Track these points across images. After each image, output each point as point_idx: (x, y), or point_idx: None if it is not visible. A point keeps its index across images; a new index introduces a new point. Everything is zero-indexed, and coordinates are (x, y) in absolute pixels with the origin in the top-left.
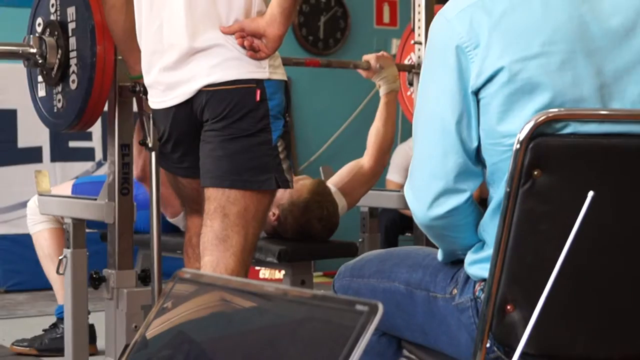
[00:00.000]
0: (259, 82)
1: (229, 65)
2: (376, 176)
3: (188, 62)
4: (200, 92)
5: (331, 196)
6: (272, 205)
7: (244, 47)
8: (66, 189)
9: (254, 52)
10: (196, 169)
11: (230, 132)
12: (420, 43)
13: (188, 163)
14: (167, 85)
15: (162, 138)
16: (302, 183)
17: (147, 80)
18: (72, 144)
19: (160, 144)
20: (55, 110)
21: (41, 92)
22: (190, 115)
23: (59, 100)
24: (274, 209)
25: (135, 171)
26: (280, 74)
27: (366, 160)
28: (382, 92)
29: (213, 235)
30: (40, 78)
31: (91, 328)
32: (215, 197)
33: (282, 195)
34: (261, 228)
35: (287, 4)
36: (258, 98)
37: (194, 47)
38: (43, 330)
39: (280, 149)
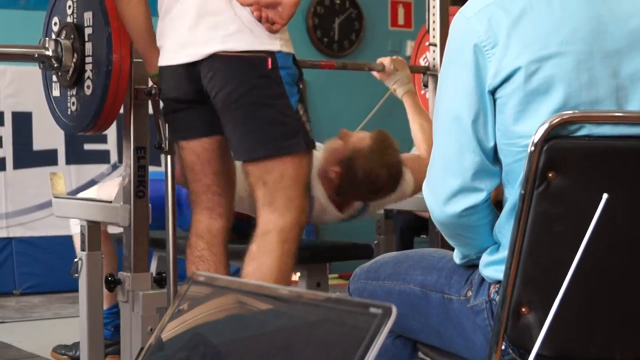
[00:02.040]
0: (270, 53)
1: (242, 36)
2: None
3: (200, 23)
4: (211, 57)
5: (394, 145)
6: (331, 163)
7: (259, 19)
8: (90, 194)
9: (270, 25)
10: (196, 129)
11: (250, 103)
12: (435, 45)
13: (194, 123)
14: (178, 43)
15: (164, 97)
16: (362, 135)
17: (160, 41)
18: (88, 146)
19: (167, 110)
20: (69, 113)
21: (55, 91)
22: (194, 77)
23: (73, 104)
24: (334, 167)
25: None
26: (289, 48)
27: (422, 152)
28: (399, 94)
29: (260, 202)
30: (54, 78)
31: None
32: (251, 171)
33: (343, 149)
34: (305, 191)
35: None
36: (270, 66)
37: (206, 8)
38: None
39: (301, 112)
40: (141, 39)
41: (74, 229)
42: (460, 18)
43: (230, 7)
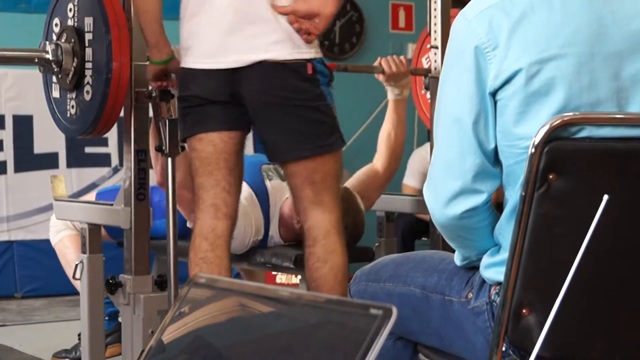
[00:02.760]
0: (309, 60)
1: (285, 45)
2: (389, 180)
3: (241, 30)
4: (255, 63)
5: (357, 203)
6: (295, 214)
7: (296, 29)
8: (89, 199)
9: (307, 35)
10: (219, 122)
11: (293, 106)
12: (436, 47)
13: (218, 117)
14: (215, 48)
15: (190, 93)
16: None
17: (187, 42)
18: (88, 149)
19: (190, 104)
20: (68, 115)
21: (55, 93)
22: (232, 81)
23: (73, 107)
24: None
25: (156, 177)
26: (319, 52)
27: (379, 164)
28: (389, 97)
29: (308, 202)
30: (54, 79)
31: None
32: (298, 171)
33: None
34: (340, 183)
35: None
36: (310, 71)
37: (247, 16)
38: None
39: (334, 110)
40: (153, 26)
41: (55, 237)
42: (461, 20)
43: (272, 15)
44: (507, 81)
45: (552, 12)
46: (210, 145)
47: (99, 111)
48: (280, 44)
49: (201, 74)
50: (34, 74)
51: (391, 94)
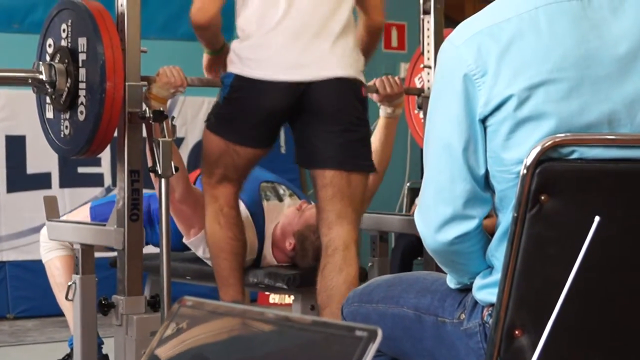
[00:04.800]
0: (362, 83)
1: (350, 62)
2: (372, 195)
3: (316, 44)
4: (327, 80)
5: None
6: (287, 235)
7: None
8: (83, 211)
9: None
10: (259, 141)
11: (349, 122)
12: (429, 67)
13: (256, 135)
14: (290, 61)
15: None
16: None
17: (256, 54)
18: (81, 169)
19: (242, 110)
20: (62, 136)
21: (49, 113)
22: (297, 93)
23: (67, 127)
24: (290, 239)
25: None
26: None
27: None
28: (381, 114)
29: (335, 215)
30: (48, 100)
31: (105, 358)
32: (335, 182)
33: (297, 222)
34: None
35: None
36: (363, 93)
37: (326, 30)
38: None
39: None
40: (218, 19)
41: (45, 256)
42: (449, 46)
43: (344, 34)
44: (497, 108)
45: (540, 36)
46: (233, 154)
47: (92, 131)
48: (347, 60)
49: (269, 85)
50: (27, 94)
51: (384, 111)
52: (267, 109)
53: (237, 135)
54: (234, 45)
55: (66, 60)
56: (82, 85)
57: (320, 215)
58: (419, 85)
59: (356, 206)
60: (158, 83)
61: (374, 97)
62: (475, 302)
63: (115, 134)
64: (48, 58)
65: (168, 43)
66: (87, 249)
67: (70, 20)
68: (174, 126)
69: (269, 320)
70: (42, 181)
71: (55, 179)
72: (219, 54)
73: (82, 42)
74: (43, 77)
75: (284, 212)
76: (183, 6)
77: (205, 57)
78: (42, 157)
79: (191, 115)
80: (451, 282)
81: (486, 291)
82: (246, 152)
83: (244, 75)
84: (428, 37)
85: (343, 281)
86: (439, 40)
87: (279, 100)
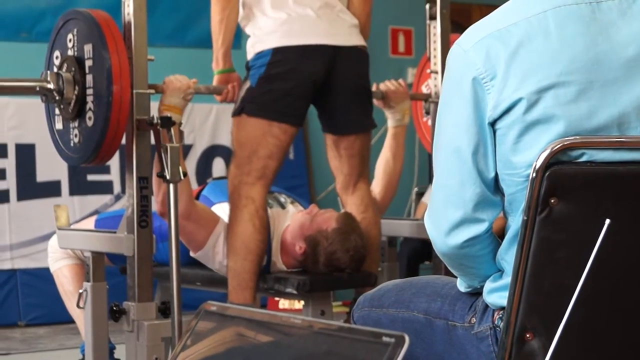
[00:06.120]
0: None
1: (359, 34)
2: (386, 207)
3: (340, 17)
4: (352, 47)
5: (359, 228)
6: (298, 238)
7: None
8: (88, 224)
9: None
10: (296, 116)
11: (364, 86)
12: (436, 72)
13: (296, 107)
14: (323, 31)
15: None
16: (329, 215)
17: (282, 27)
18: (91, 177)
19: (279, 86)
20: (72, 145)
21: (58, 124)
22: (328, 57)
23: (76, 135)
24: (300, 243)
25: (157, 206)
26: None
27: (377, 192)
28: (389, 124)
29: (357, 175)
30: (57, 111)
31: None
32: (354, 145)
33: (309, 226)
34: None
35: None
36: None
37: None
38: None
39: None
40: (229, 36)
41: (53, 265)
42: (458, 50)
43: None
44: (506, 111)
45: (549, 39)
46: (285, 140)
47: (101, 136)
48: (357, 31)
49: (310, 48)
50: (36, 103)
51: (391, 120)
52: (309, 73)
53: (278, 111)
54: (263, 24)
55: (73, 69)
56: (89, 92)
57: (345, 180)
58: (426, 91)
59: (368, 164)
60: (168, 92)
61: (379, 103)
62: (486, 306)
63: (124, 142)
64: (55, 69)
65: (175, 51)
66: (98, 257)
67: (75, 30)
68: (181, 132)
69: (294, 326)
70: (51, 189)
71: (65, 187)
72: (229, 72)
73: (87, 48)
74: (51, 86)
75: (292, 217)
76: (190, 14)
77: (215, 78)
78: (51, 165)
79: (199, 122)
80: (461, 285)
81: (496, 295)
82: (285, 132)
83: (284, 45)
84: (434, 42)
85: (378, 231)
86: (445, 46)
87: (319, 63)
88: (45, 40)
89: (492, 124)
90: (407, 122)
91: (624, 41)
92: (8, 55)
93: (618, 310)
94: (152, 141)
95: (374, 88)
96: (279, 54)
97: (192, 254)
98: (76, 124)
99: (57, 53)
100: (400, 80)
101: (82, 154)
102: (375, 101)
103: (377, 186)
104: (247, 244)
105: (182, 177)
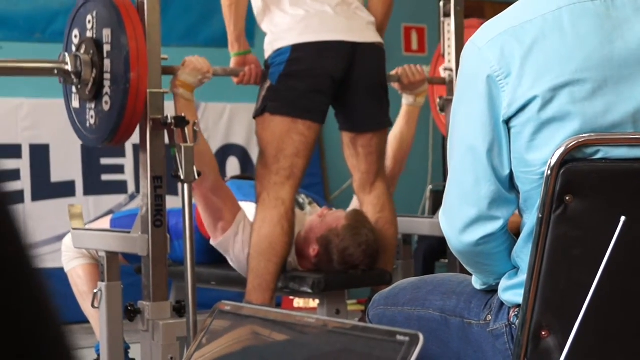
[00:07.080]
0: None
1: (376, 32)
2: (394, 182)
3: (357, 14)
4: (369, 44)
5: (369, 223)
6: (311, 241)
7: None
8: (104, 223)
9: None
10: (319, 113)
11: (384, 85)
12: (450, 70)
13: (319, 103)
14: (342, 27)
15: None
16: (339, 214)
17: (315, 22)
18: (105, 177)
19: (302, 84)
20: (88, 125)
21: (75, 102)
22: (348, 54)
23: (92, 117)
24: (313, 245)
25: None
26: None
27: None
28: (404, 102)
29: (374, 175)
30: (74, 89)
31: None
32: (372, 142)
33: (320, 227)
34: None
35: None
36: (385, 59)
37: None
38: None
39: None
40: (241, 22)
41: (67, 265)
42: (472, 47)
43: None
44: (521, 109)
45: (564, 37)
46: (310, 137)
47: (117, 121)
48: (375, 30)
49: (329, 44)
50: (50, 103)
51: (406, 100)
52: (329, 70)
53: (301, 108)
54: (280, 20)
55: (91, 51)
56: (106, 76)
57: (363, 179)
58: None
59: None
60: (186, 70)
61: (396, 86)
62: (502, 303)
63: (138, 141)
64: (74, 49)
65: (189, 50)
66: (112, 257)
67: (95, 12)
68: (196, 131)
69: (309, 325)
70: (66, 189)
71: (79, 187)
72: (245, 54)
73: (106, 33)
74: (69, 67)
75: (307, 220)
76: (204, 13)
77: (232, 61)
78: (65, 166)
79: (213, 122)
80: (477, 283)
81: (512, 292)
82: (309, 128)
83: (303, 42)
84: (449, 39)
85: (395, 230)
86: (459, 43)
87: (338, 60)
88: (58, 40)
89: (507, 121)
90: (422, 104)
91: (638, 38)
92: (22, 55)
93: (634, 307)
94: (167, 140)
95: (392, 72)
96: (298, 50)
97: (212, 241)
98: (93, 105)
99: (76, 32)
100: (419, 66)
101: (99, 135)
102: (392, 84)
103: (387, 159)
104: (275, 246)
105: (197, 177)
